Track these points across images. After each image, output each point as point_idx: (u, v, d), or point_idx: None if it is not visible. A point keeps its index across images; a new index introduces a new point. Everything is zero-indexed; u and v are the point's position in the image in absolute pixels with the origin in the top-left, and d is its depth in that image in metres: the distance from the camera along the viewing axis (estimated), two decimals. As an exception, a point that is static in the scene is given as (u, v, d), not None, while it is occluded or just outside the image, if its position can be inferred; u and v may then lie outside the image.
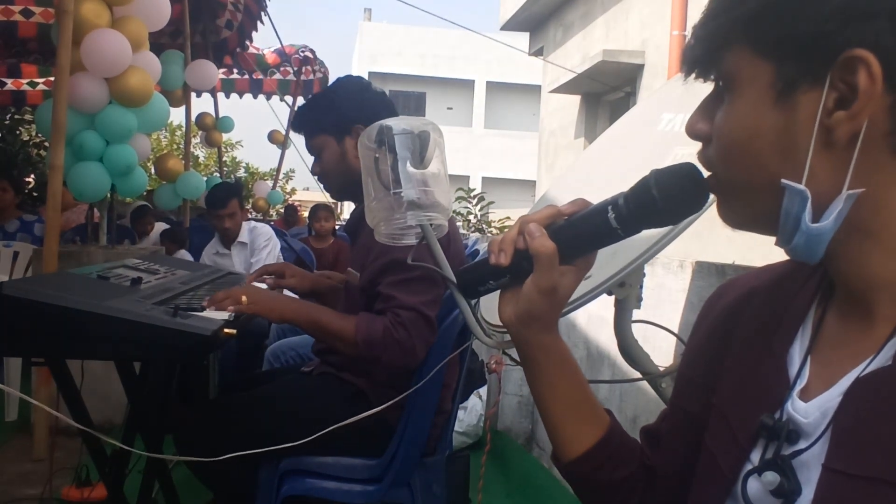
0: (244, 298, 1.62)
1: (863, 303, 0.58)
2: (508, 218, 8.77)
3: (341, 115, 1.85)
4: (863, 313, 0.58)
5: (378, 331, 1.63)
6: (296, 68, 7.14)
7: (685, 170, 0.65)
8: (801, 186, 0.54)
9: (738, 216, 0.62)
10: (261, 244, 3.79)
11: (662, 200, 0.64)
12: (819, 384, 0.60)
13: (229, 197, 3.70)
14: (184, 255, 4.29)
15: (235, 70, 7.21)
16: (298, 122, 1.96)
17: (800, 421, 0.59)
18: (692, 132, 0.64)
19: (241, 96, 7.72)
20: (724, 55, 0.58)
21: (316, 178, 1.96)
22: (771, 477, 0.58)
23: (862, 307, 0.58)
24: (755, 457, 0.62)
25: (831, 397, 0.58)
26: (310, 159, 1.97)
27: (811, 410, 0.59)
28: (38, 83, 6.66)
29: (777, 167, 0.56)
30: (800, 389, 0.61)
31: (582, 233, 0.69)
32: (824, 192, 0.54)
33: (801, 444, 0.58)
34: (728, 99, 0.59)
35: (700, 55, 0.61)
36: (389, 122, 1.18)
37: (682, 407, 0.76)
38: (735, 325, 0.71)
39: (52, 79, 3.27)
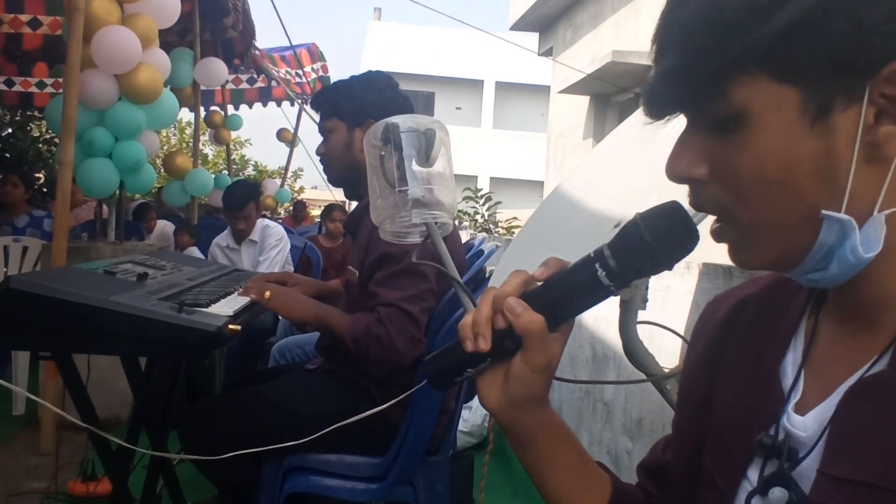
0: (267, 294, 1.73)
1: (866, 314, 0.57)
2: (516, 218, 8.75)
3: (358, 105, 1.87)
4: (864, 324, 0.57)
5: (362, 328, 1.66)
6: (302, 69, 7.12)
7: (673, 210, 0.60)
8: (844, 216, 0.51)
9: (767, 256, 0.57)
10: (272, 243, 3.81)
11: (659, 247, 0.59)
12: (815, 396, 0.59)
13: (246, 200, 3.75)
14: (195, 251, 4.31)
15: (245, 79, 7.22)
16: (317, 100, 1.99)
17: (798, 435, 0.58)
18: (686, 176, 0.57)
19: (250, 106, 7.70)
20: (731, 88, 0.52)
21: (320, 158, 1.97)
22: (779, 493, 0.57)
23: (864, 317, 0.57)
24: (752, 474, 0.61)
25: (829, 408, 0.57)
26: (318, 158, 1.98)
27: (809, 423, 0.58)
28: (46, 84, 6.69)
29: (816, 196, 0.52)
30: (795, 402, 0.60)
31: (568, 297, 0.63)
32: (859, 214, 0.52)
33: (800, 455, 0.58)
34: (744, 134, 0.53)
35: (696, 93, 0.54)
36: (395, 119, 1.17)
37: (685, 432, 0.73)
38: (728, 338, 0.70)
39: (61, 80, 3.28)
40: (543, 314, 0.62)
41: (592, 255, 0.62)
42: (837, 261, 0.53)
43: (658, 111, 0.58)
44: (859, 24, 0.49)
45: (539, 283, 0.64)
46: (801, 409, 0.59)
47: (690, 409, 0.72)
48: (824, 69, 0.50)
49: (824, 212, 0.52)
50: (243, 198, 3.73)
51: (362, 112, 1.86)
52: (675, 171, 0.58)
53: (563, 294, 0.63)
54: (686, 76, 0.54)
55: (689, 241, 0.60)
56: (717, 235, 0.59)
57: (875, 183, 0.52)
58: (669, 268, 0.61)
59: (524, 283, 0.64)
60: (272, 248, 3.81)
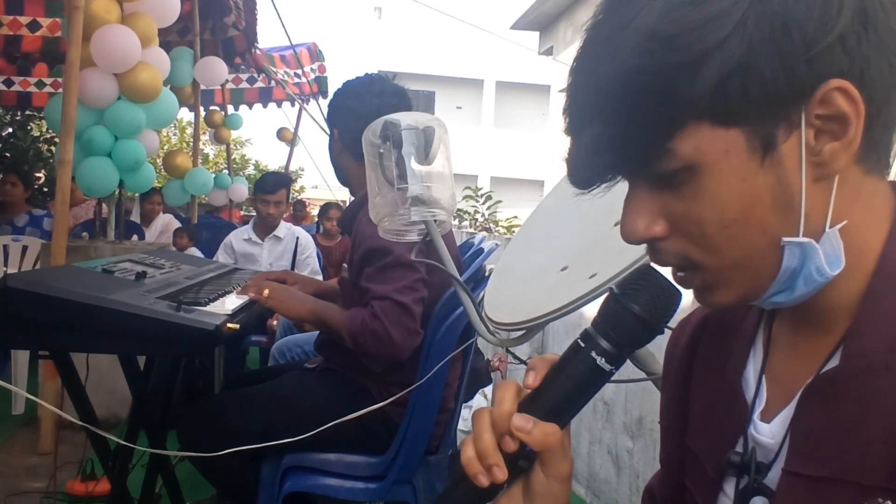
0: (266, 292, 1.72)
1: (818, 319, 0.58)
2: (516, 217, 8.74)
3: (329, 114, 1.94)
4: (817, 329, 0.58)
5: (357, 324, 1.66)
6: (301, 69, 7.10)
7: (648, 271, 0.59)
8: (804, 239, 0.53)
9: (736, 293, 0.57)
10: (310, 251, 3.91)
11: (651, 315, 0.57)
12: (778, 401, 0.60)
13: (280, 186, 3.85)
14: (195, 252, 4.31)
15: (245, 79, 7.21)
16: None
17: (766, 443, 0.60)
18: (646, 237, 0.57)
19: (250, 107, 7.68)
20: (676, 143, 0.52)
21: None
22: (760, 502, 0.59)
23: (817, 323, 0.58)
24: (728, 488, 0.62)
25: (792, 411, 0.58)
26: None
27: (775, 430, 0.59)
28: (45, 84, 6.69)
29: (776, 226, 0.54)
30: (760, 411, 0.61)
31: (572, 395, 0.60)
32: (814, 233, 0.54)
33: (768, 462, 0.59)
34: (697, 184, 0.53)
35: (637, 155, 0.54)
36: (395, 117, 1.17)
37: (671, 460, 0.73)
38: (693, 360, 0.71)
39: (60, 80, 3.27)
40: (550, 420, 0.58)
41: (581, 343, 0.59)
42: (804, 281, 0.55)
43: (590, 182, 0.58)
44: (783, 58, 0.50)
45: (531, 390, 0.61)
46: (767, 416, 0.61)
47: (672, 437, 0.73)
48: (761, 106, 0.51)
49: (785, 239, 0.53)
50: (276, 183, 3.84)
51: (331, 122, 1.93)
52: (634, 234, 0.57)
53: (565, 394, 0.60)
54: (622, 142, 0.54)
55: (674, 297, 0.58)
56: (684, 282, 0.59)
57: (824, 200, 0.54)
58: (662, 331, 0.59)
59: (517, 395, 0.61)
60: (307, 257, 3.90)
